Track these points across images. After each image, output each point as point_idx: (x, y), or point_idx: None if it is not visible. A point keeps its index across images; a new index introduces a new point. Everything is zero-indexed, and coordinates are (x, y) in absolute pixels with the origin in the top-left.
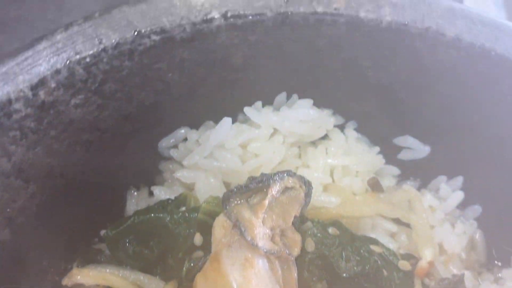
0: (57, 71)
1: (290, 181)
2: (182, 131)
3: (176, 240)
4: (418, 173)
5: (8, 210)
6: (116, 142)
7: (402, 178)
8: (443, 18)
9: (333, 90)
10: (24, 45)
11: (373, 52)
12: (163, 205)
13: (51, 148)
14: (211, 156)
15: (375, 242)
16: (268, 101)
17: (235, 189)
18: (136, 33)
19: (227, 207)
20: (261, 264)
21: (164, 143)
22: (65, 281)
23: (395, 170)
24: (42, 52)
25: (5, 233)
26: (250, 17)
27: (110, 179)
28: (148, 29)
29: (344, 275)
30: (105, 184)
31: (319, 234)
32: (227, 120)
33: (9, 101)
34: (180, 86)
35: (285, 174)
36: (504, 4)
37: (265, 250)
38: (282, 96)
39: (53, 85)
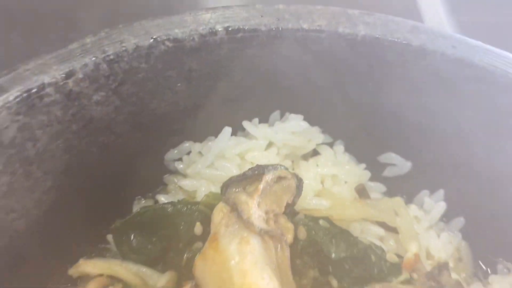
0: (85, 65)
1: (283, 172)
2: (187, 144)
3: (178, 230)
4: (403, 190)
5: (26, 199)
6: (128, 149)
7: (388, 195)
8: (410, 33)
9: (320, 110)
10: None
11: (351, 65)
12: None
13: (70, 144)
14: (212, 166)
15: (364, 237)
16: (263, 120)
17: (233, 178)
18: (152, 39)
19: (226, 193)
20: (256, 242)
21: (170, 155)
22: (72, 271)
23: (382, 187)
24: (74, 50)
25: (20, 222)
26: (248, 32)
27: (119, 186)
28: (163, 37)
29: (333, 255)
30: (114, 190)
31: (310, 223)
32: (227, 129)
33: (43, 85)
34: (186, 98)
35: (278, 165)
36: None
37: (259, 229)
38: (276, 114)
39: (80, 76)
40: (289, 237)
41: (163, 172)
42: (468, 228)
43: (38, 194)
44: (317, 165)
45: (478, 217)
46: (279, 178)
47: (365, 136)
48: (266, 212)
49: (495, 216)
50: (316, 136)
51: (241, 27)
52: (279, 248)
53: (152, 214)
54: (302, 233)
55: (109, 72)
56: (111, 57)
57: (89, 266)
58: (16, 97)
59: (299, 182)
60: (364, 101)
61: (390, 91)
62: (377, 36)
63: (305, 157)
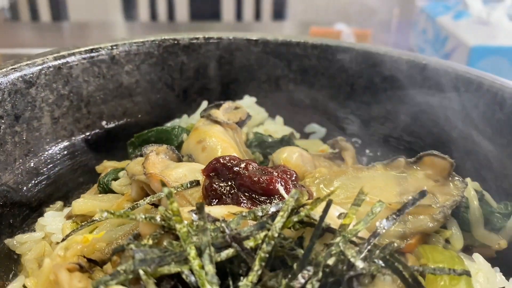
0: (124, 44)
1: (238, 104)
2: (177, 120)
3: (172, 138)
4: None
5: (73, 125)
6: (139, 114)
7: None
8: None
9: (265, 96)
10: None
11: (274, 62)
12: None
13: (106, 99)
14: None
15: None
16: None
17: (209, 105)
18: (162, 38)
19: (203, 112)
20: (220, 127)
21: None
22: (98, 168)
23: None
24: (118, 39)
25: (64, 141)
26: (216, 39)
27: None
28: (168, 37)
29: (270, 140)
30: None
31: (256, 131)
32: (204, 103)
33: (99, 47)
34: (178, 85)
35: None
36: None
37: (223, 121)
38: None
39: (120, 48)
40: (243, 136)
41: None
42: None
43: (81, 125)
44: (263, 126)
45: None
46: (236, 107)
47: (294, 114)
48: (228, 119)
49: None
50: (262, 111)
51: (212, 36)
52: (236, 134)
53: (156, 132)
54: (252, 135)
55: (136, 52)
56: (139, 43)
57: (109, 163)
58: (86, 50)
59: (249, 114)
60: (291, 90)
61: (304, 82)
62: (288, 40)
63: (257, 125)
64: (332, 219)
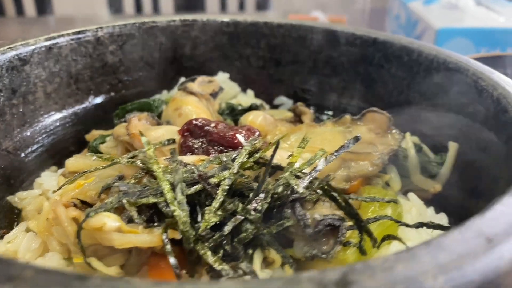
0: (108, 26)
1: (212, 78)
2: (158, 96)
3: (153, 109)
4: None
5: (64, 100)
6: (124, 90)
7: None
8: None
9: (237, 72)
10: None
11: (244, 41)
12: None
13: (92, 76)
14: None
15: None
16: None
17: (185, 79)
18: (141, 21)
19: (180, 85)
20: (195, 97)
21: None
22: (87, 136)
23: None
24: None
25: (57, 115)
26: (191, 21)
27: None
28: (148, 20)
29: (239, 108)
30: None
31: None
32: (182, 79)
33: (85, 30)
34: (158, 63)
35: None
36: None
37: (197, 92)
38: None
39: (105, 30)
40: (216, 106)
41: None
42: None
43: (71, 100)
44: (236, 99)
45: None
46: (210, 80)
47: (264, 88)
48: (202, 90)
49: None
50: (235, 86)
51: (187, 18)
52: (209, 103)
53: (138, 104)
54: (224, 104)
55: (119, 33)
56: (121, 25)
57: (97, 132)
58: (74, 32)
59: (221, 87)
60: (260, 66)
61: (271, 59)
62: (265, 21)
63: (230, 99)
64: (282, 160)
